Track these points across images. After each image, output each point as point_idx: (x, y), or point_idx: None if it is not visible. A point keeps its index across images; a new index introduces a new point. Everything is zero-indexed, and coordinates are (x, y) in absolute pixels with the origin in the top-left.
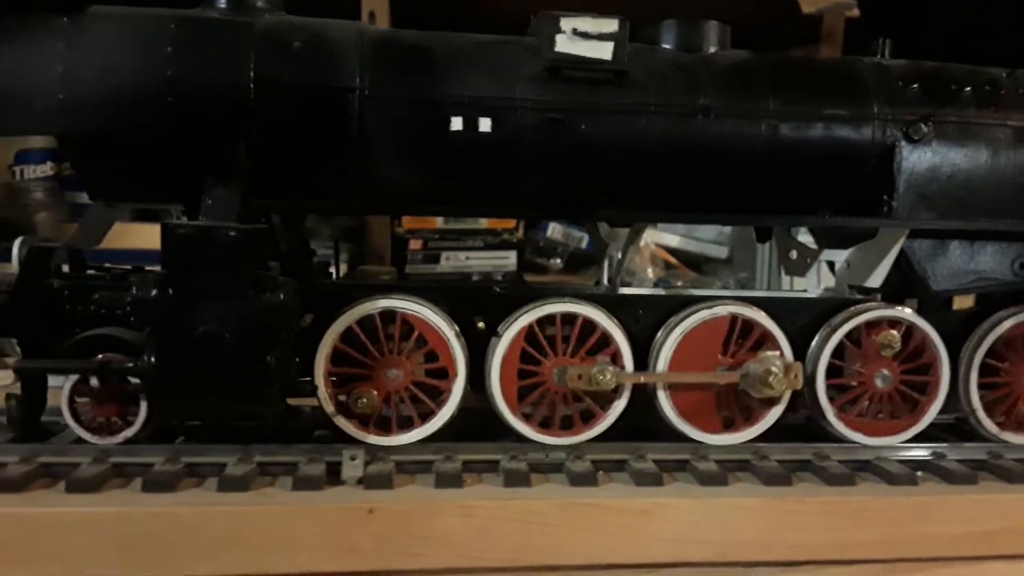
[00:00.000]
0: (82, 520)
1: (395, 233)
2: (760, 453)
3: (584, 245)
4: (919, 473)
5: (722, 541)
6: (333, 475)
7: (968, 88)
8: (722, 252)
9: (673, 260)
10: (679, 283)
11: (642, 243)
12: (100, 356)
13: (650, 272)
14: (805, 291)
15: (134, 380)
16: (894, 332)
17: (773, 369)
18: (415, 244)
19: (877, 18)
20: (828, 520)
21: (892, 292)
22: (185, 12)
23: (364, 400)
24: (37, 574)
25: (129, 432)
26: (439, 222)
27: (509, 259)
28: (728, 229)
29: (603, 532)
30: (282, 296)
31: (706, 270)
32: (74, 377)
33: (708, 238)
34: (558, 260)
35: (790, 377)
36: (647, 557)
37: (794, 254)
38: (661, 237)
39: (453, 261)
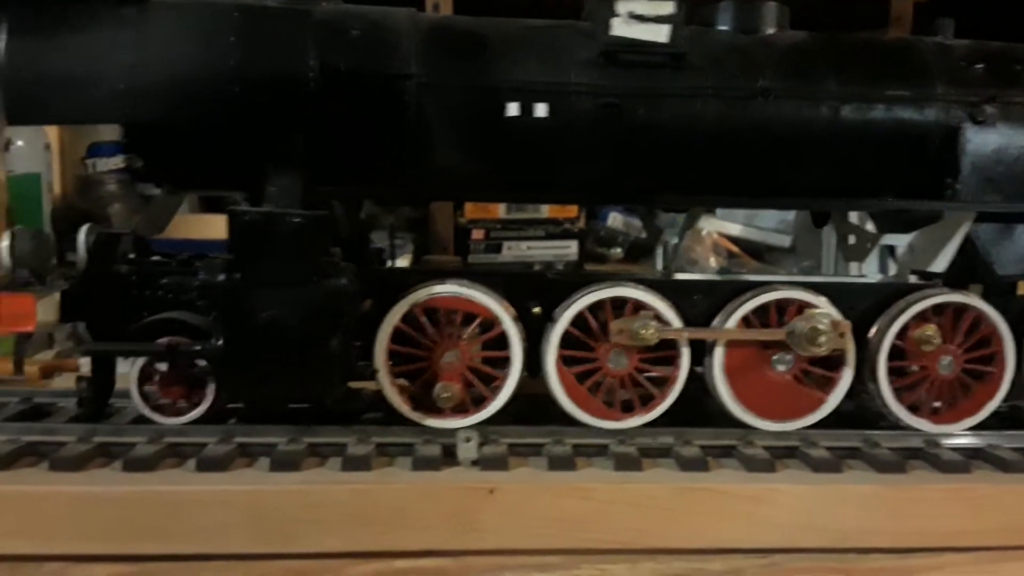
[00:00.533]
0: (216, 498)
1: (458, 223)
2: (870, 440)
3: (644, 234)
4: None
5: (836, 528)
6: (449, 456)
7: None
8: (785, 240)
9: (735, 249)
10: (742, 272)
11: (703, 232)
12: (167, 339)
13: (712, 261)
14: (865, 276)
15: (201, 363)
16: (932, 327)
17: (820, 326)
18: (477, 234)
19: (945, 1)
20: (943, 507)
21: (955, 278)
22: (246, 2)
23: (448, 394)
24: (175, 550)
25: (195, 414)
26: (501, 212)
27: (570, 248)
28: (791, 217)
29: (717, 517)
30: (344, 281)
31: (768, 259)
32: (142, 360)
33: (770, 226)
34: (618, 249)
35: (836, 334)
36: (761, 543)
37: (853, 239)
38: (722, 226)
39: (515, 251)
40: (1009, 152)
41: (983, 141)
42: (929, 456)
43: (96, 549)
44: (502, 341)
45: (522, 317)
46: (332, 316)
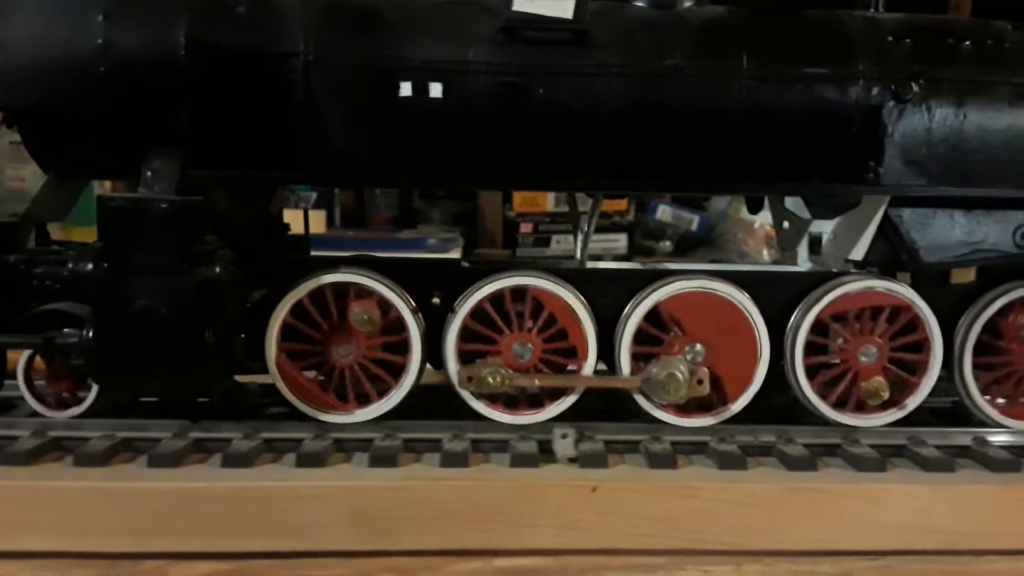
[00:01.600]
0: (317, 494)
1: (506, 217)
2: (980, 439)
3: (695, 227)
4: None
5: (951, 529)
6: (544, 452)
7: (968, 43)
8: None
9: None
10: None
11: (756, 224)
12: (44, 333)
13: (765, 253)
14: (794, 266)
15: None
16: None
17: (677, 374)
18: (525, 228)
19: None
20: None
21: (887, 266)
22: None
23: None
24: (275, 546)
25: (80, 408)
26: (550, 205)
27: (619, 241)
28: None
29: (827, 518)
30: (218, 270)
31: (815, 248)
32: (28, 353)
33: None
34: (667, 243)
35: (693, 382)
36: (873, 544)
37: (786, 225)
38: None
39: (564, 244)
40: (936, 133)
41: (908, 121)
42: None
43: (195, 546)
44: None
45: (423, 307)
46: (206, 306)
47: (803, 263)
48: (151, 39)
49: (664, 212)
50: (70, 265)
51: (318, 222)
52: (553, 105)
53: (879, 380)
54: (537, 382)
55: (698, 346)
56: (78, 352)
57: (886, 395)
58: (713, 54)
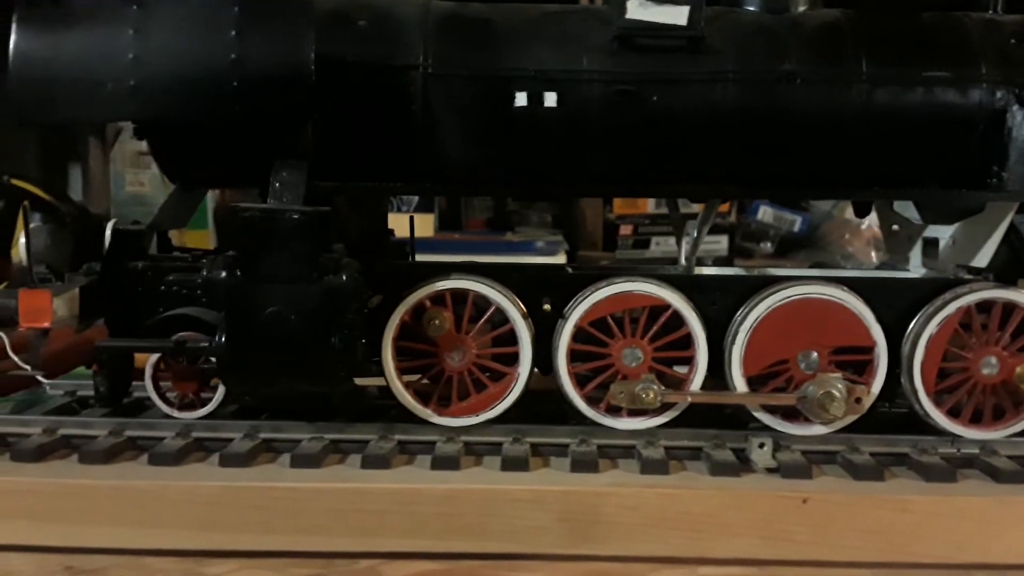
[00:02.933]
0: (529, 497)
1: (606, 219)
2: None
3: (796, 228)
4: None
5: None
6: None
7: None
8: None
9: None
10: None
11: (863, 226)
12: (176, 335)
13: (873, 256)
14: (907, 271)
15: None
16: None
17: (834, 392)
18: (625, 230)
19: None
20: None
21: (1005, 272)
22: None
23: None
24: (486, 549)
25: (207, 409)
26: (650, 207)
27: (720, 243)
28: None
29: None
30: (344, 278)
31: (928, 253)
32: (156, 356)
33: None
34: (768, 244)
35: (851, 401)
36: None
37: (896, 228)
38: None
39: (663, 246)
40: None
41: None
42: None
43: (409, 546)
44: (513, 337)
45: (533, 313)
46: (333, 313)
47: (915, 268)
48: (281, 54)
49: (766, 213)
50: (204, 272)
51: (426, 226)
52: (668, 112)
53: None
54: (690, 399)
55: (813, 354)
56: (210, 356)
57: None
58: (830, 58)
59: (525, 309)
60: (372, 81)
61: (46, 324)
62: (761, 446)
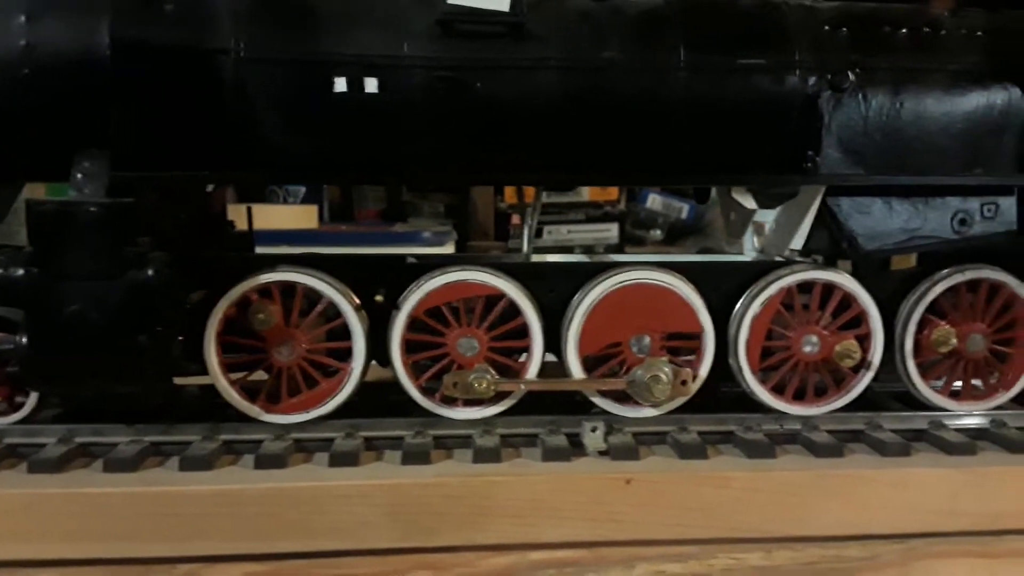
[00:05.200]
0: (355, 492)
1: (498, 208)
2: (997, 421)
3: (684, 215)
4: None
5: (974, 511)
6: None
7: (904, 30)
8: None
9: None
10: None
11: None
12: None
13: (755, 241)
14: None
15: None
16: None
17: (661, 375)
18: (516, 219)
19: None
20: None
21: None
22: None
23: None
24: (311, 547)
25: (20, 414)
26: (544, 197)
27: (611, 231)
28: None
29: (855, 503)
30: (151, 272)
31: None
32: None
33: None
34: (658, 231)
35: (677, 383)
36: (898, 528)
37: (733, 215)
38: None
39: (555, 235)
40: (872, 122)
41: (844, 111)
42: None
43: (231, 549)
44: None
45: (367, 305)
46: (139, 309)
47: (748, 252)
48: (75, 39)
49: (654, 201)
50: (0, 271)
51: (310, 217)
52: (490, 99)
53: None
54: (523, 387)
55: (646, 338)
56: (14, 359)
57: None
58: (650, 46)
59: (359, 301)
60: (179, 66)
61: None
62: (593, 430)
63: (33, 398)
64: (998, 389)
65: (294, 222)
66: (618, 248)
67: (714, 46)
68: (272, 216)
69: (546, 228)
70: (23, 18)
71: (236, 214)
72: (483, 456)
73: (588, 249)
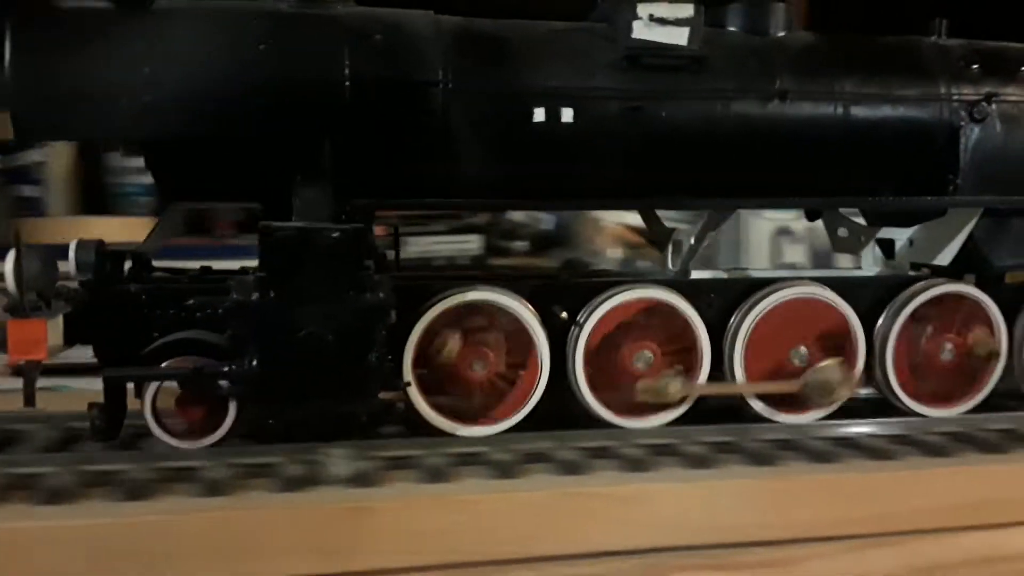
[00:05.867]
0: (60, 535)
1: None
2: (747, 434)
3: (548, 226)
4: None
5: (711, 524)
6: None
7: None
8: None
9: (638, 239)
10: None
11: (604, 223)
12: (192, 362)
13: (612, 251)
14: (859, 268)
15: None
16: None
17: (832, 379)
18: (379, 230)
19: None
20: (814, 497)
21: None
22: (267, 6)
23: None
24: None
25: (216, 436)
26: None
27: (474, 243)
28: None
29: (594, 520)
30: (381, 295)
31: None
32: (156, 384)
33: (676, 216)
34: (523, 242)
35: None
36: (637, 544)
37: (844, 232)
38: (623, 216)
39: (417, 246)
40: (1006, 148)
41: (982, 138)
42: (801, 447)
43: None
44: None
45: (547, 321)
46: (369, 330)
47: (868, 267)
48: (316, 70)
49: (516, 212)
50: (233, 295)
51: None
52: (675, 127)
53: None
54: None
55: (802, 348)
56: (235, 381)
57: None
58: (815, 78)
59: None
60: (393, 97)
61: (41, 356)
62: (336, 457)
63: (228, 421)
64: None
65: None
66: (482, 259)
67: (870, 78)
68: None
69: (408, 239)
70: (263, 47)
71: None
72: (211, 489)
73: (451, 260)
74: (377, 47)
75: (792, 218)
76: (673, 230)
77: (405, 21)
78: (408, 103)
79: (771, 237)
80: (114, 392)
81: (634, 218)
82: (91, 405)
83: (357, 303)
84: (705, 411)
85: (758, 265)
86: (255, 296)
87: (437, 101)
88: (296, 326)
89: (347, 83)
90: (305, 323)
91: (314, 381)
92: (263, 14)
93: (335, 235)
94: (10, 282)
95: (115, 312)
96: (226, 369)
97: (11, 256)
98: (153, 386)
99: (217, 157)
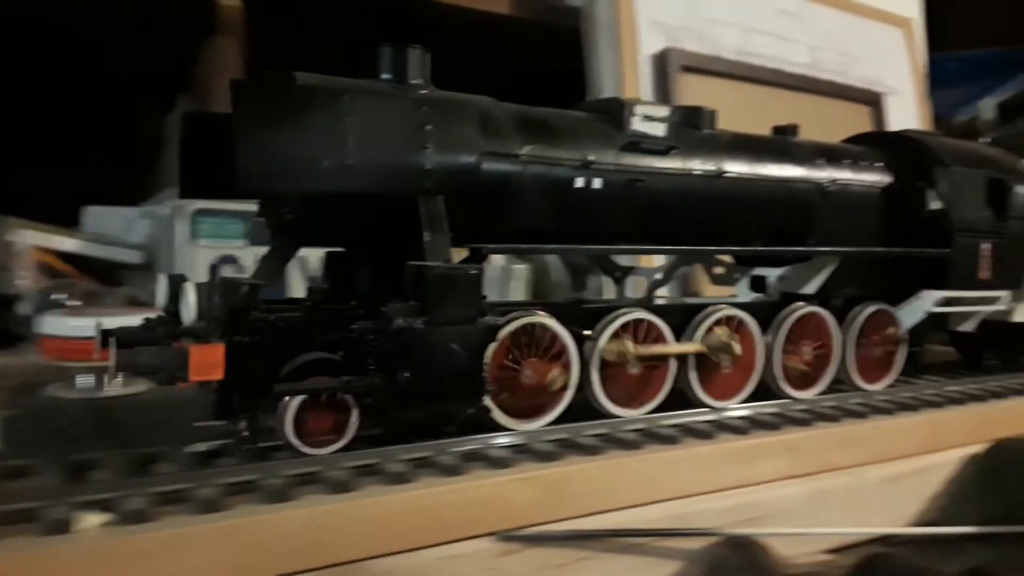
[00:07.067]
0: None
1: None
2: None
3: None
4: None
5: None
6: None
7: (850, 159)
8: (135, 256)
9: (64, 267)
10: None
11: (20, 246)
12: (354, 378)
13: (32, 280)
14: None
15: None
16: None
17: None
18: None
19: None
20: None
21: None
22: (434, 94)
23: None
24: None
25: (342, 442)
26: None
27: None
28: (148, 231)
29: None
30: (497, 319)
31: (119, 277)
32: (299, 397)
33: (120, 242)
34: None
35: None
36: None
37: (720, 269)
38: (51, 240)
39: None
40: (843, 216)
41: (828, 207)
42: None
43: None
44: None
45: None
46: (486, 346)
47: (743, 295)
48: (463, 148)
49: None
50: (399, 321)
51: None
52: (661, 194)
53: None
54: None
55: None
56: (393, 392)
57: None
58: (746, 163)
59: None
60: (493, 165)
61: (218, 377)
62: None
63: (353, 427)
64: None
65: None
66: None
67: (776, 165)
68: None
69: None
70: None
71: None
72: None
73: None
74: (485, 127)
75: None
76: (631, 268)
77: (491, 106)
78: (496, 170)
79: None
80: (256, 407)
81: (68, 243)
82: (240, 420)
83: (481, 324)
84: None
85: None
86: (419, 323)
87: (515, 168)
88: (441, 344)
89: (480, 157)
90: (448, 341)
91: (453, 388)
92: (429, 101)
93: (474, 272)
94: (192, 309)
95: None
96: (378, 382)
97: (190, 285)
98: (294, 401)
99: (361, 212)
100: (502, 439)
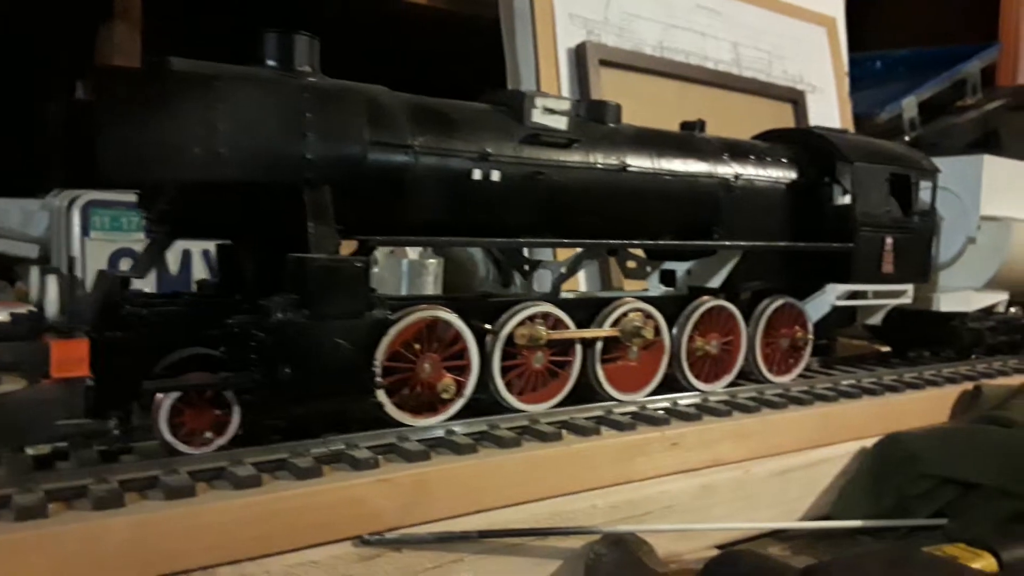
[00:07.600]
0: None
1: None
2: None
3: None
4: None
5: None
6: None
7: (754, 155)
8: (33, 251)
9: None
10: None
11: None
12: (226, 373)
13: None
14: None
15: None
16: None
17: (638, 324)
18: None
19: None
20: None
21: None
22: (321, 82)
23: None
24: None
25: (223, 440)
26: None
27: None
28: (44, 225)
29: None
30: (387, 312)
31: (19, 271)
32: (173, 395)
33: (17, 235)
34: None
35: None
36: None
37: (632, 263)
38: None
39: None
40: (747, 211)
41: (734, 202)
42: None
43: None
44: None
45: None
46: (375, 341)
47: (654, 288)
48: (343, 136)
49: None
50: (279, 315)
51: None
52: (561, 187)
53: None
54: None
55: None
56: (274, 389)
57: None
58: (645, 155)
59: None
60: (385, 156)
61: (84, 373)
62: None
63: (235, 424)
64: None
65: None
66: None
67: (677, 157)
68: None
69: None
70: (310, 136)
71: None
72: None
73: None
74: (373, 116)
75: None
76: (539, 261)
77: (379, 96)
78: (391, 161)
79: None
80: (129, 404)
81: None
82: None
83: (369, 318)
84: None
85: None
86: (298, 315)
87: (410, 160)
88: (325, 338)
89: (365, 147)
90: (332, 335)
91: (338, 384)
92: (307, 88)
93: (359, 265)
94: (53, 304)
95: (124, 333)
96: (256, 378)
97: (51, 279)
98: (168, 398)
99: (244, 202)
100: (371, 440)
